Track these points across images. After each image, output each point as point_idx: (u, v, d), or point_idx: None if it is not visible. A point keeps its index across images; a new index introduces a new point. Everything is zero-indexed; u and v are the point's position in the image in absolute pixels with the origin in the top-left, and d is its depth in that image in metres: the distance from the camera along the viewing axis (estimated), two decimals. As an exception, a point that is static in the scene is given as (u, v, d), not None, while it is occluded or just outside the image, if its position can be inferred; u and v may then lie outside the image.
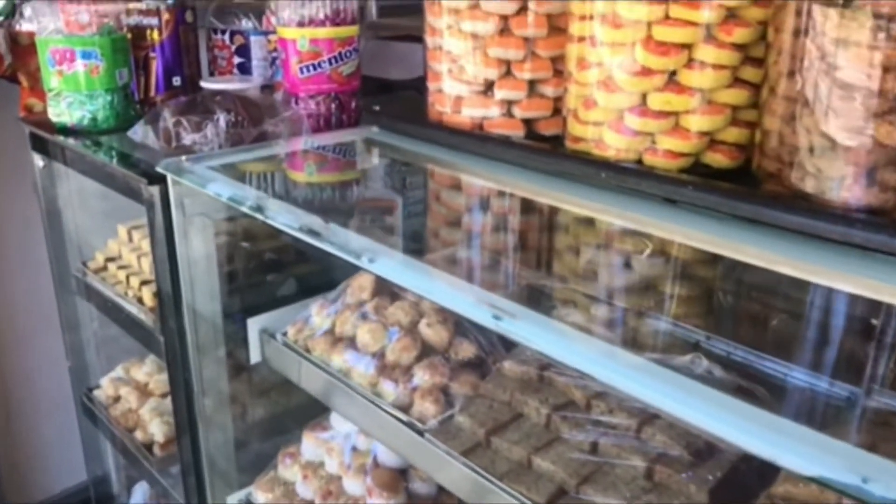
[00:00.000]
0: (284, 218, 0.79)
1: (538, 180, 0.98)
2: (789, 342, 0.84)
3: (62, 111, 1.35)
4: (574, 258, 0.89)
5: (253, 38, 1.49)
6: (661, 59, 0.86)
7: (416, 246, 0.84)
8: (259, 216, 0.82)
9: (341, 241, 0.72)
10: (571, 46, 0.96)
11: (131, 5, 1.43)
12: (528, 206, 0.94)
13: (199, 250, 1.13)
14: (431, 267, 0.67)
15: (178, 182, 0.99)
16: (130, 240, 1.44)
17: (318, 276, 1.25)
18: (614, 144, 0.91)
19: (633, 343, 0.80)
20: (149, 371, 1.55)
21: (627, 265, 0.86)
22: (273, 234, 1.26)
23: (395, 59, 1.77)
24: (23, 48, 1.54)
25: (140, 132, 1.23)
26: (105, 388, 1.58)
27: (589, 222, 0.93)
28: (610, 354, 0.56)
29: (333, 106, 1.34)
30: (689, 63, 0.85)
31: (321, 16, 1.29)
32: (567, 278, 0.84)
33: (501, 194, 0.98)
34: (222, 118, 1.18)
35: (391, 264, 0.66)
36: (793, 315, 0.84)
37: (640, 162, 0.91)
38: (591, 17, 0.91)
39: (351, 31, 1.32)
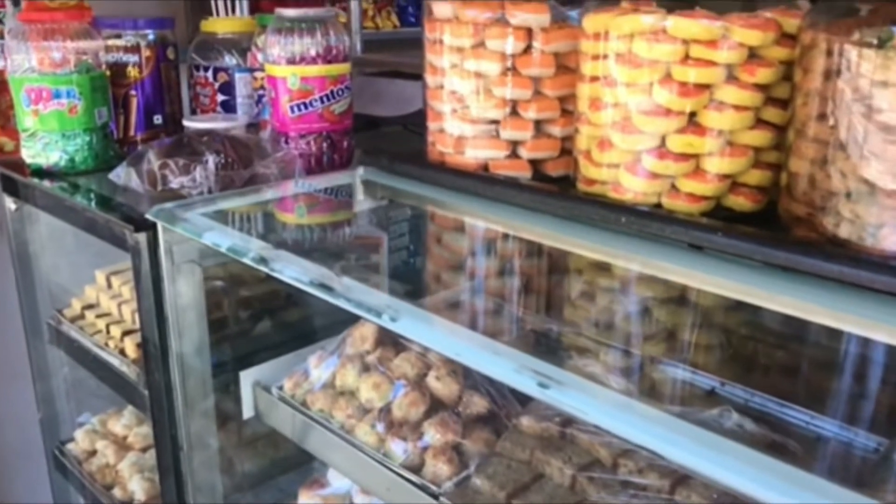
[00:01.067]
0: (292, 271, 0.74)
1: (547, 223, 0.94)
2: (823, 394, 0.81)
3: (38, 152, 1.28)
4: (599, 307, 0.85)
5: (237, 76, 1.44)
6: (681, 99, 0.83)
7: (436, 299, 0.79)
8: (263, 269, 0.77)
9: (357, 296, 0.67)
10: (583, 86, 0.93)
11: (110, 42, 1.38)
12: (543, 253, 0.90)
13: (187, 299, 1.07)
14: (461, 326, 0.62)
15: (169, 230, 0.94)
16: (109, 286, 1.36)
17: (313, 322, 1.20)
18: (632, 187, 0.87)
19: (665, 398, 0.76)
20: (127, 423, 1.47)
21: (654, 314, 0.82)
22: (264, 279, 1.20)
23: (380, 95, 1.73)
24: (-7, 86, 1.47)
25: (122, 175, 1.17)
26: (79, 442, 1.50)
27: (606, 268, 0.89)
28: (667, 426, 0.51)
29: (325, 145, 1.29)
30: (710, 104, 0.83)
31: (312, 53, 1.25)
32: (593, 329, 0.80)
33: (515, 240, 0.94)
34: (211, 160, 1.12)
35: (416, 324, 0.61)
36: (826, 365, 0.80)
37: (658, 205, 0.87)
38: (606, 57, 0.88)
39: (343, 68, 1.28)
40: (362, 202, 1.09)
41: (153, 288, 1.06)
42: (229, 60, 1.45)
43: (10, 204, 1.39)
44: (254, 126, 1.43)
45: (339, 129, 1.30)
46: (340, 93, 1.28)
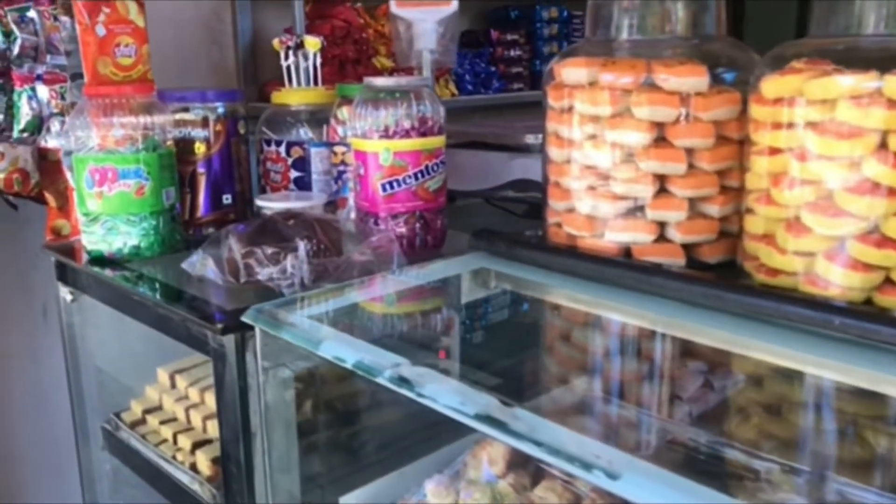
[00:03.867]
0: (448, 398, 0.58)
1: (710, 320, 0.79)
2: None
3: (99, 238, 1.15)
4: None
5: (313, 150, 1.32)
6: (901, 174, 0.68)
7: (640, 437, 0.63)
8: (405, 392, 0.62)
9: (547, 438, 0.52)
10: (759, 159, 0.79)
11: (178, 116, 1.26)
12: (746, 365, 0.75)
13: (276, 408, 0.92)
14: (725, 497, 0.46)
15: (270, 335, 0.79)
16: (174, 386, 1.22)
17: (413, 426, 1.04)
18: (836, 280, 0.72)
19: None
20: (188, 541, 1.30)
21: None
22: (348, 377, 1.05)
23: (458, 167, 1.60)
24: (50, 164, 1.36)
25: (197, 263, 1.03)
26: (132, 562, 1.33)
27: (802, 378, 0.73)
28: None
29: (418, 226, 1.15)
30: (939, 180, 0.68)
31: (406, 126, 1.12)
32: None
33: (695, 345, 0.78)
34: (302, 247, 0.98)
35: (652, 487, 0.45)
36: None
37: (869, 302, 0.72)
38: (792, 125, 0.74)
39: (438, 141, 1.15)
40: (484, 295, 0.94)
41: (239, 398, 0.91)
42: (304, 134, 1.33)
43: (65, 294, 1.26)
44: (330, 204, 1.30)
45: (432, 208, 1.16)
46: (435, 168, 1.15)
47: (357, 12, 2.06)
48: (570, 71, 0.90)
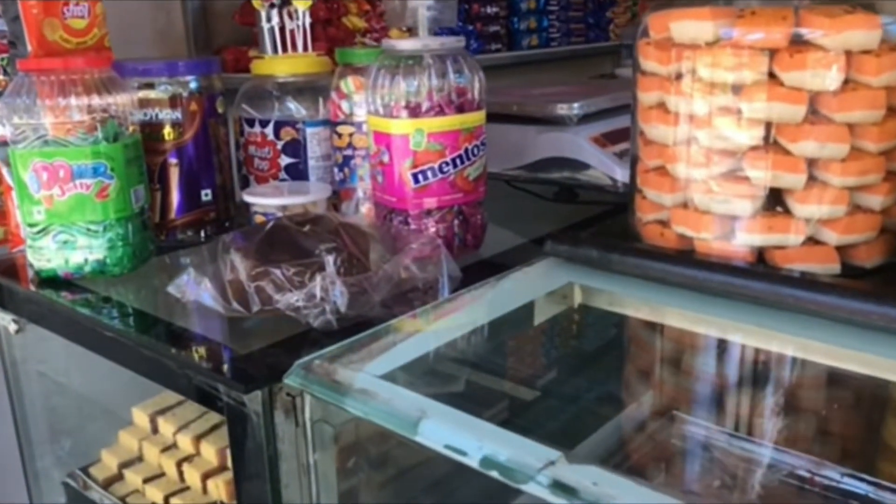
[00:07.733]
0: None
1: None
2: None
3: (51, 255, 0.90)
4: None
5: (309, 131, 1.08)
6: None
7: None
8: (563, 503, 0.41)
9: None
10: (966, 137, 0.60)
11: (141, 94, 1.01)
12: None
13: (321, 481, 0.70)
14: None
15: (325, 402, 0.57)
16: (156, 431, 0.98)
17: (467, 488, 0.83)
18: None
19: None
20: None
21: None
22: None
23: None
24: (-25, 159, 1.09)
25: (189, 287, 0.80)
26: None
27: None
28: None
29: (456, 223, 0.94)
30: None
31: (440, 100, 0.90)
32: None
33: None
34: (330, 263, 0.76)
35: None
36: None
37: None
38: None
39: (478, 118, 0.94)
40: (590, 323, 0.73)
41: (269, 468, 0.69)
42: (295, 111, 1.10)
43: (7, 323, 1.00)
44: (333, 196, 1.07)
45: (472, 201, 0.95)
46: (476, 151, 0.93)
47: (325, -35, 1.80)
48: (687, 25, 0.69)
